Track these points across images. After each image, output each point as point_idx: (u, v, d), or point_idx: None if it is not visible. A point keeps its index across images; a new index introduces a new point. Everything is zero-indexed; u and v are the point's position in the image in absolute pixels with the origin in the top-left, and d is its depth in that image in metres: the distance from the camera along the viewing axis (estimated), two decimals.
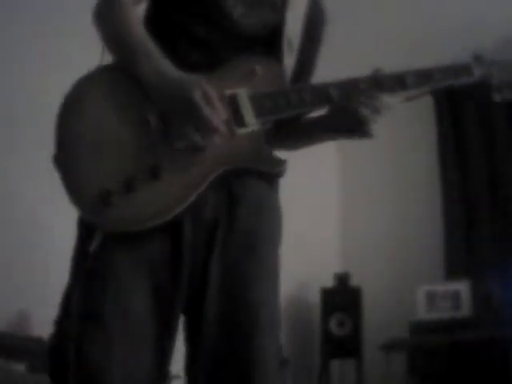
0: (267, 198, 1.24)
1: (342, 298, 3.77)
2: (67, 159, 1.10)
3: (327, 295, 3.80)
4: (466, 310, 3.38)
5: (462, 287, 3.45)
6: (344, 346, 3.66)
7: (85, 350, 1.06)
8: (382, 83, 1.27)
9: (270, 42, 1.27)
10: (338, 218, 4.46)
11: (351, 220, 4.40)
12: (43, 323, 1.78)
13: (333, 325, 3.71)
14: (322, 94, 1.19)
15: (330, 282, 3.85)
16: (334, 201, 4.50)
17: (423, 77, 1.31)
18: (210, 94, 1.07)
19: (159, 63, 1.12)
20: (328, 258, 4.21)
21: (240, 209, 1.17)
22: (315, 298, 3.84)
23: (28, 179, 2.61)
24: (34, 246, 2.61)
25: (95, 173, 1.09)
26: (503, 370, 3.05)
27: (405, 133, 4.23)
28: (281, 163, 1.18)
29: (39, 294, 2.42)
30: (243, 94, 1.14)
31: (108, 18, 1.20)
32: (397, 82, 1.30)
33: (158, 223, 1.08)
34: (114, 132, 1.11)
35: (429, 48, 3.89)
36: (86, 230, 1.11)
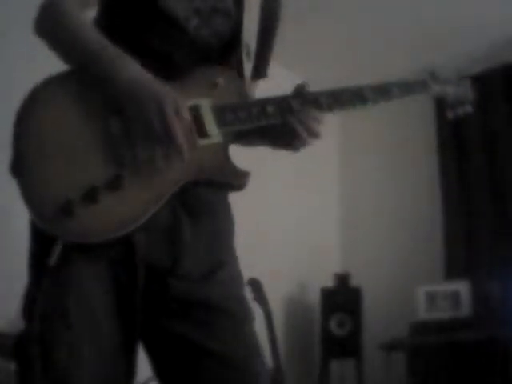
0: (222, 203, 1.26)
1: (342, 298, 3.77)
2: (26, 168, 1.07)
3: (327, 295, 3.80)
4: (465, 310, 3.38)
5: (462, 287, 3.45)
6: (344, 345, 3.66)
7: (50, 351, 1.06)
8: (340, 98, 1.22)
9: (227, 50, 1.26)
10: (338, 218, 4.46)
11: (351, 220, 4.40)
12: None
13: (333, 325, 3.71)
14: (284, 106, 1.18)
15: (329, 282, 3.85)
16: (335, 201, 4.50)
17: (381, 92, 1.27)
18: (181, 107, 1.06)
19: (129, 67, 1.09)
20: (328, 258, 4.22)
21: (198, 216, 1.18)
22: (315, 298, 3.84)
23: None
24: None
25: (56, 182, 1.06)
26: (503, 370, 3.05)
27: (405, 133, 4.23)
28: (245, 175, 1.15)
29: None
30: (206, 105, 1.13)
31: (57, 25, 1.15)
32: (356, 97, 1.24)
33: (120, 235, 1.07)
34: (75, 141, 1.08)
35: (429, 48, 3.90)
36: (43, 239, 1.08)
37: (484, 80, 3.84)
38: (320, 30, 3.81)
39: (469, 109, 1.40)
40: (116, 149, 1.08)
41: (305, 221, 4.02)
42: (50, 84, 1.12)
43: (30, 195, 1.07)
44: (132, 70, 1.09)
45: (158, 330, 1.15)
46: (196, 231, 1.17)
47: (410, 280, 3.69)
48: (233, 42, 1.26)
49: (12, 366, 2.16)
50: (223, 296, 1.17)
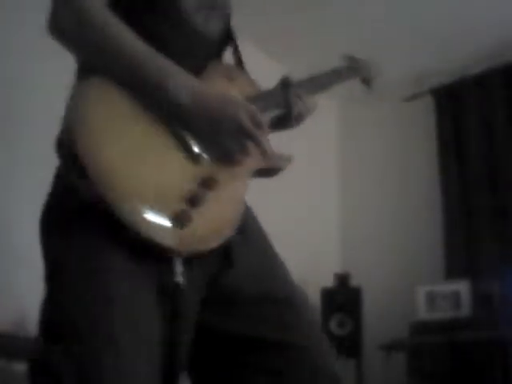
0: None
1: (342, 297, 3.76)
2: (114, 194, 0.94)
3: (327, 295, 3.80)
4: (465, 310, 3.37)
5: (462, 287, 3.45)
6: (344, 346, 3.66)
7: (90, 373, 0.91)
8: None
9: (222, 46, 1.28)
10: (338, 218, 4.46)
11: (351, 220, 4.40)
12: None
13: (333, 325, 3.70)
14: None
15: (329, 282, 3.85)
16: (335, 201, 4.50)
17: (315, 83, 1.37)
18: (256, 115, 1.05)
19: (188, 83, 1.04)
20: (328, 258, 4.22)
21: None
22: (315, 298, 3.84)
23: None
24: (34, 246, 2.61)
25: (155, 198, 0.97)
26: (503, 370, 3.05)
27: (405, 133, 4.23)
28: (288, 158, 1.19)
29: (39, 294, 2.42)
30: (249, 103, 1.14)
31: (88, 27, 1.04)
32: (323, 85, 1.39)
33: (231, 234, 1.05)
34: (153, 150, 1.02)
35: (429, 48, 3.90)
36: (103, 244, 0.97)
37: (484, 80, 3.85)
38: (320, 29, 3.82)
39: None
40: (193, 153, 1.05)
41: (305, 221, 4.02)
42: (100, 95, 1.02)
43: (132, 218, 0.94)
44: (187, 81, 1.05)
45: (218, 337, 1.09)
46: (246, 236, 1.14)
47: (410, 280, 3.68)
48: (226, 37, 1.28)
49: (12, 367, 2.17)
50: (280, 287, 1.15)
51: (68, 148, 0.96)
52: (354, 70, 1.52)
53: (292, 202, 3.87)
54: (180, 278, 0.99)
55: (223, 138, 1.04)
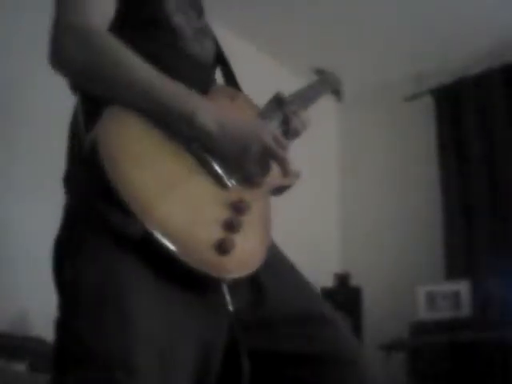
0: None
1: (342, 298, 3.76)
2: (151, 221, 0.92)
3: (327, 295, 3.79)
4: (465, 309, 3.37)
5: (462, 287, 3.45)
6: None
7: None
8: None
9: (213, 69, 1.30)
10: (338, 218, 4.46)
11: (351, 220, 4.40)
12: (43, 323, 1.78)
13: None
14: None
15: (330, 282, 3.85)
16: (334, 201, 4.50)
17: (303, 98, 1.37)
18: (278, 136, 1.08)
19: (211, 109, 1.04)
20: (328, 257, 4.22)
21: None
22: None
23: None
24: (34, 246, 2.61)
25: (194, 226, 0.96)
26: (503, 370, 3.05)
27: (405, 133, 4.23)
28: (297, 175, 1.19)
29: (39, 293, 2.42)
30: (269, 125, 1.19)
31: (99, 58, 1.00)
32: (311, 99, 1.41)
33: (264, 258, 1.04)
34: (180, 179, 1.00)
35: (428, 48, 3.90)
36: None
37: (484, 80, 3.85)
38: (319, 28, 3.82)
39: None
40: (219, 176, 1.05)
41: (305, 221, 4.02)
42: (122, 126, 1.00)
43: (178, 246, 0.93)
44: (210, 108, 1.04)
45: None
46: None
47: (409, 280, 3.68)
48: (217, 60, 1.31)
49: (12, 366, 2.17)
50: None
51: (101, 182, 0.92)
52: (325, 82, 1.54)
53: (292, 202, 3.86)
54: (231, 307, 0.99)
55: (250, 162, 1.06)
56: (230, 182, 1.06)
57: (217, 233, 0.98)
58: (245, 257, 1.01)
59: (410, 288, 3.60)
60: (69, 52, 1.02)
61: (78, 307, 0.92)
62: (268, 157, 1.07)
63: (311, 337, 1.10)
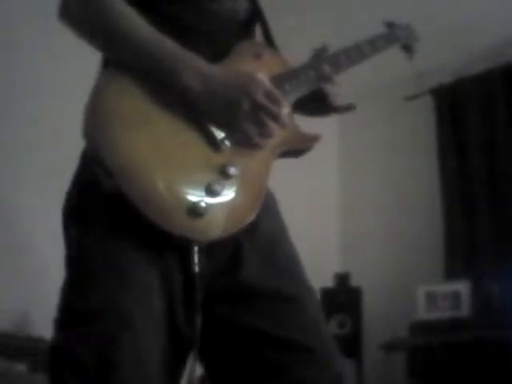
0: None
1: (342, 297, 3.76)
2: (131, 185, 0.96)
3: (327, 295, 3.79)
4: (465, 310, 3.38)
5: (462, 287, 3.45)
6: (344, 346, 3.65)
7: (109, 355, 0.92)
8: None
9: (249, 24, 1.27)
10: (338, 217, 4.46)
11: (351, 220, 4.40)
12: (44, 323, 1.78)
13: (333, 325, 3.70)
14: (320, 72, 1.22)
15: (329, 282, 3.85)
16: (334, 201, 4.50)
17: (354, 53, 1.35)
18: (272, 91, 1.05)
19: (199, 69, 1.03)
20: (328, 258, 4.21)
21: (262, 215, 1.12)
22: None
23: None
24: (34, 246, 2.61)
25: (173, 187, 0.98)
26: (503, 370, 3.05)
27: (405, 133, 4.23)
28: (315, 138, 1.19)
29: (39, 293, 2.42)
30: (264, 78, 1.10)
31: (99, 14, 1.04)
32: (359, 55, 1.35)
33: (250, 221, 1.05)
34: (172, 140, 1.02)
35: (428, 48, 3.90)
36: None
37: (484, 80, 3.85)
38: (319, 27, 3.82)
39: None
40: (210, 138, 1.04)
41: (305, 221, 4.02)
42: (114, 84, 1.03)
43: (147, 206, 0.96)
44: (198, 67, 1.04)
45: (218, 325, 1.08)
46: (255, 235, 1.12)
47: (409, 280, 3.68)
48: (253, 15, 1.27)
49: (13, 366, 2.17)
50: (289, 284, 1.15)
51: (89, 147, 1.00)
52: (393, 36, 1.48)
53: (292, 202, 3.86)
54: (197, 268, 1.01)
55: (241, 120, 1.03)
56: (224, 144, 1.05)
57: (195, 196, 0.99)
58: (223, 220, 1.01)
59: (410, 288, 3.60)
60: (72, 7, 1.07)
61: (82, 270, 0.99)
62: (258, 111, 1.03)
63: (276, 316, 1.09)
